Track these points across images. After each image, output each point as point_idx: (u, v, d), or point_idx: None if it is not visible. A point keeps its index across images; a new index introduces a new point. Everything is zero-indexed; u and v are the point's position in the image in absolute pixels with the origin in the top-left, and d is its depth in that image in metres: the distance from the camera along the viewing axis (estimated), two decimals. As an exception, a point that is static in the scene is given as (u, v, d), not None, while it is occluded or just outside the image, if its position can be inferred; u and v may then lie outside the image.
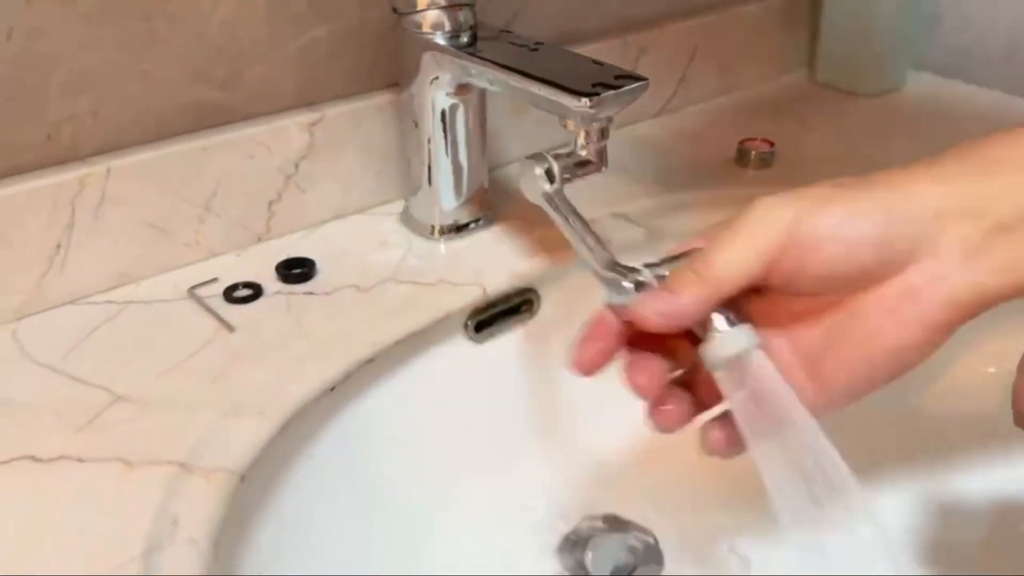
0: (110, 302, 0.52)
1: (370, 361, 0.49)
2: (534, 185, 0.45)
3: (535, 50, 0.50)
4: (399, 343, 0.51)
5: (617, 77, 0.46)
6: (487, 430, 0.55)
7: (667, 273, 0.36)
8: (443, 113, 0.55)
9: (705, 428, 0.38)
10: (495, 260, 0.57)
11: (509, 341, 0.57)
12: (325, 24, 0.57)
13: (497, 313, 0.56)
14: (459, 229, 0.58)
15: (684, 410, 0.38)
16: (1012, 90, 0.79)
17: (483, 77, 0.50)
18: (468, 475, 0.54)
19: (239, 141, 0.55)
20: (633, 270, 0.37)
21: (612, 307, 0.37)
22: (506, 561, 0.52)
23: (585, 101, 0.44)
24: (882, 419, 0.50)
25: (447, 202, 0.57)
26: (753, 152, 0.68)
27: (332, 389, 0.47)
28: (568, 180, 0.46)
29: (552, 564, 0.53)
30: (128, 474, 0.41)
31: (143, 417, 0.44)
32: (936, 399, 0.57)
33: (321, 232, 0.59)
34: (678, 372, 0.39)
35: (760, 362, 0.35)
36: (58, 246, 0.50)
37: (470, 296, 0.54)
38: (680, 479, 0.54)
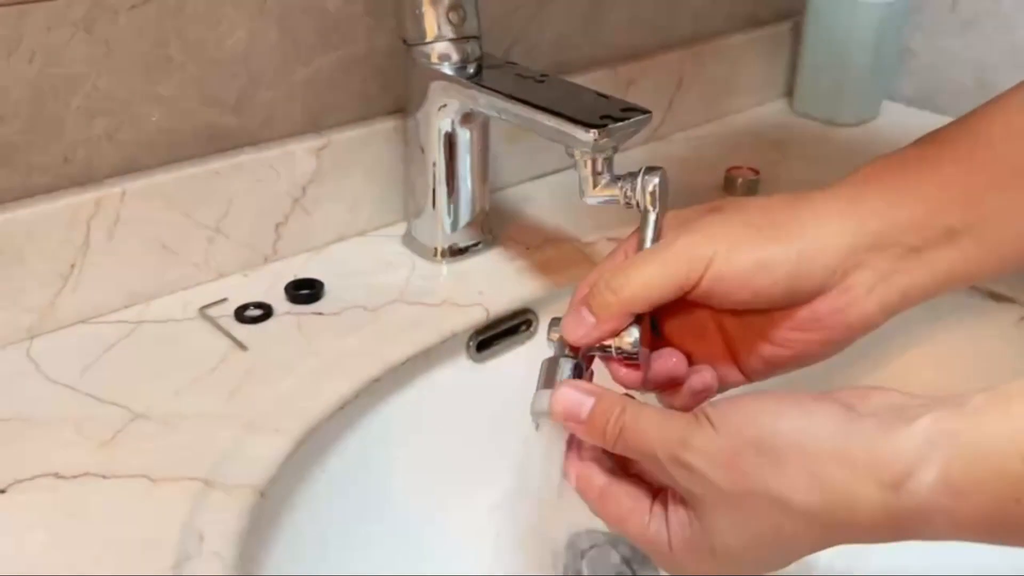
0: (123, 321, 0.53)
1: (377, 380, 0.51)
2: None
3: (541, 81, 0.52)
4: (407, 362, 0.52)
5: (623, 110, 0.48)
6: (488, 444, 0.56)
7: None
8: (448, 139, 0.56)
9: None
10: (496, 282, 0.59)
11: (509, 360, 0.58)
12: (333, 52, 0.58)
13: (498, 333, 0.58)
14: (461, 251, 0.60)
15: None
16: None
17: (491, 107, 0.52)
18: (470, 487, 0.56)
19: (249, 165, 0.56)
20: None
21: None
22: (507, 569, 0.53)
23: (593, 133, 0.46)
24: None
25: (450, 225, 0.59)
26: (740, 179, 0.70)
27: (343, 407, 0.49)
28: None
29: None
30: (152, 490, 0.42)
31: (163, 434, 0.45)
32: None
33: (326, 254, 0.60)
34: None
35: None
36: (72, 266, 0.51)
37: (473, 317, 0.56)
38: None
